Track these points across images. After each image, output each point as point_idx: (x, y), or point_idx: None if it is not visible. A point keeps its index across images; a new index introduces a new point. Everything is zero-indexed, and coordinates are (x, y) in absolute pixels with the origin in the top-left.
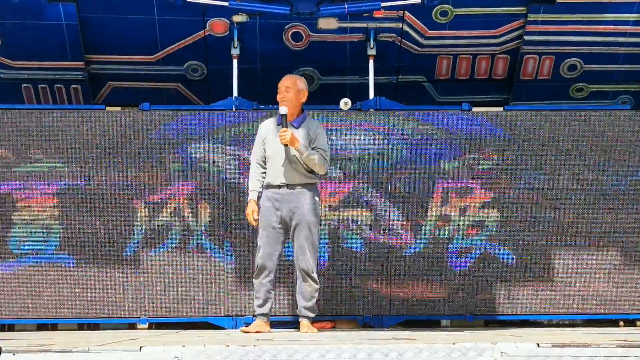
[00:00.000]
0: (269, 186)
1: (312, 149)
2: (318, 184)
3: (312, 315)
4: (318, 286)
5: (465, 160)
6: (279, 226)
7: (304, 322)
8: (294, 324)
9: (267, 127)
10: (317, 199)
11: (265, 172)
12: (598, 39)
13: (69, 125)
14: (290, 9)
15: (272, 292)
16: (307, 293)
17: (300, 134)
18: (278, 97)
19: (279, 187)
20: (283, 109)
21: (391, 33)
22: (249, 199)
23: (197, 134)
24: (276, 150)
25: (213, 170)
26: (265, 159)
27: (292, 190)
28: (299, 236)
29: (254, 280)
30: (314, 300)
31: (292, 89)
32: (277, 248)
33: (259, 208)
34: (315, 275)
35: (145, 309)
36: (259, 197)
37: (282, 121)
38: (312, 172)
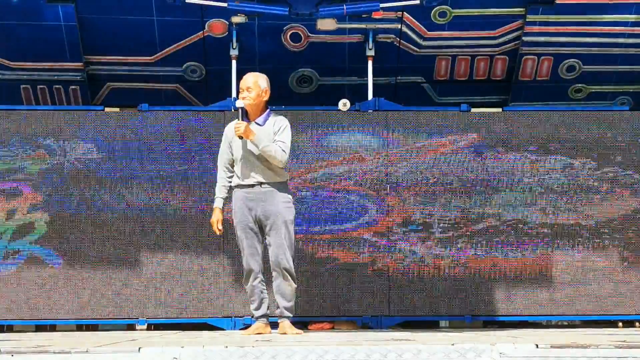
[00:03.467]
0: (240, 186)
1: (274, 141)
2: (287, 182)
3: (291, 315)
4: (296, 285)
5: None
6: (255, 226)
7: (285, 323)
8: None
9: (232, 128)
10: (290, 196)
11: (231, 177)
12: (597, 40)
13: (68, 126)
14: (289, 10)
15: (265, 292)
16: (288, 293)
17: (265, 130)
18: (240, 97)
19: (252, 186)
20: (240, 102)
21: (390, 34)
22: (214, 205)
23: (196, 135)
24: (244, 149)
25: (212, 170)
26: (232, 162)
27: (264, 189)
28: (277, 235)
29: (244, 285)
30: (294, 300)
31: (253, 88)
32: (258, 249)
33: (232, 209)
34: (294, 274)
35: (144, 310)
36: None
37: (240, 114)
38: (283, 169)
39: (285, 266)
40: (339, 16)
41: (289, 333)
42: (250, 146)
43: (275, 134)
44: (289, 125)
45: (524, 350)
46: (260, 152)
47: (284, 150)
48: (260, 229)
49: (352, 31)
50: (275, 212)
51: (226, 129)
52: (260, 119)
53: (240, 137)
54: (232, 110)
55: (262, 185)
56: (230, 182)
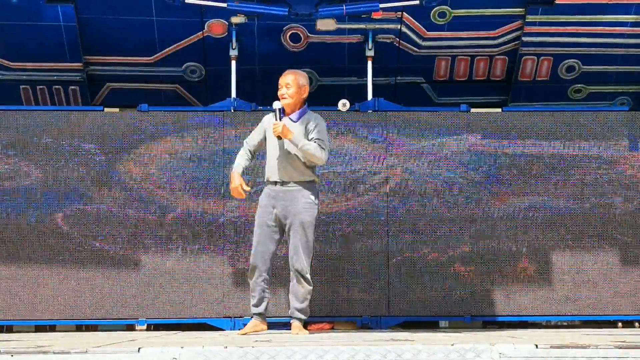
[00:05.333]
0: (267, 182)
1: (309, 139)
2: (317, 182)
3: (304, 317)
4: (311, 287)
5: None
6: (273, 224)
7: (295, 324)
8: (285, 325)
9: (269, 121)
10: (313, 197)
11: (250, 158)
12: (596, 40)
13: (68, 127)
14: (289, 10)
15: (268, 291)
16: (300, 295)
17: (297, 127)
18: (279, 94)
19: (275, 183)
20: (277, 104)
21: (389, 34)
22: (232, 172)
23: (196, 135)
24: (274, 146)
25: (211, 171)
26: (255, 147)
27: (287, 188)
28: (294, 236)
29: (248, 279)
30: (307, 302)
31: (292, 85)
32: (270, 247)
33: (258, 204)
34: (308, 277)
35: (143, 310)
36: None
37: (277, 115)
38: (310, 169)
39: (297, 268)
40: (339, 16)
41: (300, 334)
42: (282, 144)
43: (308, 133)
44: (324, 123)
45: (523, 350)
46: (299, 151)
47: (322, 148)
48: (281, 228)
49: (352, 31)
50: (294, 212)
51: (265, 117)
52: (294, 115)
53: (279, 138)
54: (232, 110)
55: (285, 184)
56: (250, 159)
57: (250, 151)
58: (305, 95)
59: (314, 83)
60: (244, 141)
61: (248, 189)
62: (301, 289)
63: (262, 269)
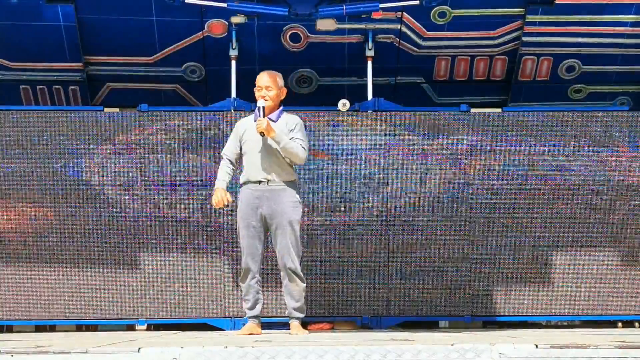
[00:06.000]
0: (248, 182)
1: (290, 139)
2: (297, 181)
3: (301, 315)
4: (305, 284)
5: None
6: (258, 225)
7: (294, 324)
8: (285, 325)
9: (244, 124)
10: (297, 196)
11: (234, 169)
12: (596, 40)
13: (68, 127)
14: (289, 10)
15: (261, 293)
16: (295, 293)
17: (278, 127)
18: (258, 95)
19: (259, 182)
20: (261, 102)
21: (389, 34)
22: (216, 187)
23: (196, 135)
24: (255, 146)
25: (211, 171)
26: (237, 156)
27: (272, 187)
28: (283, 235)
29: (240, 283)
30: (303, 299)
31: (273, 87)
32: (259, 248)
33: (237, 206)
34: (301, 274)
35: (143, 310)
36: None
37: (260, 112)
38: (292, 168)
39: (290, 267)
40: (339, 16)
41: (299, 334)
42: (265, 143)
43: (289, 132)
44: (302, 123)
45: (523, 350)
46: (281, 149)
47: (304, 148)
48: (265, 227)
49: (352, 31)
50: (281, 212)
51: (238, 123)
52: (273, 115)
53: (262, 134)
54: (232, 110)
55: (270, 183)
56: (233, 171)
57: (231, 161)
58: (283, 96)
59: (314, 83)
60: (222, 153)
61: (230, 200)
62: (296, 287)
63: (255, 271)
